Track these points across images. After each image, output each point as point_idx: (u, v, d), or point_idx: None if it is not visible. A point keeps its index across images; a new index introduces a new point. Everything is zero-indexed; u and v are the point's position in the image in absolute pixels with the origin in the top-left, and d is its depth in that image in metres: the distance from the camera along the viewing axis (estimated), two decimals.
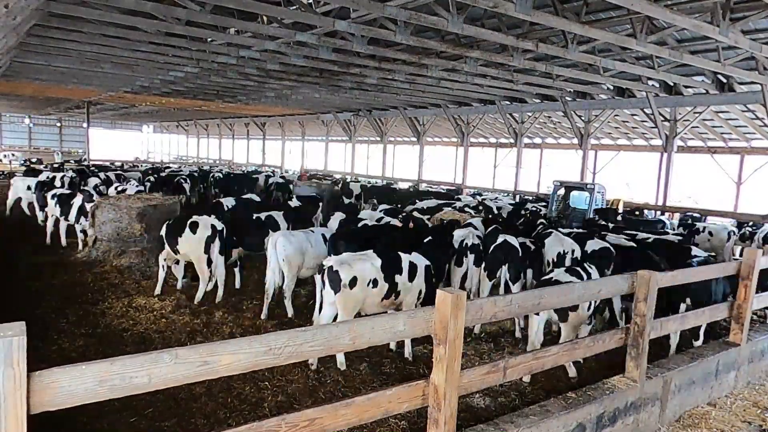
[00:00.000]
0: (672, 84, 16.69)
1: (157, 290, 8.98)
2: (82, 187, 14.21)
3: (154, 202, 11.51)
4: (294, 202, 13.75)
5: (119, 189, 15.33)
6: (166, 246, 8.79)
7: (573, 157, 27.13)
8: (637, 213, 16.94)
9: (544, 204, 18.74)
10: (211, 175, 23.81)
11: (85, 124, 38.22)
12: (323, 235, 8.61)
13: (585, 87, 18.05)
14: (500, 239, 8.52)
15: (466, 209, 14.40)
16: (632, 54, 13.84)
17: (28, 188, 15.23)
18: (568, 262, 8.45)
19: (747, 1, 10.43)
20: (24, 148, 52.03)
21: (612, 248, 8.76)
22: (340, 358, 6.45)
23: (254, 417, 5.19)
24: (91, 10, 10.07)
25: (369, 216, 11.28)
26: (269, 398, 5.72)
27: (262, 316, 8.05)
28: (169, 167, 30.91)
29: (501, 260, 8.19)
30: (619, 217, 15.15)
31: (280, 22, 11.51)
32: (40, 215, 13.85)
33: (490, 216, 13.19)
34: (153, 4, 9.65)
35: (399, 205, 15.34)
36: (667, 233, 11.84)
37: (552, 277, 6.63)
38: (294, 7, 10.18)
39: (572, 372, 6.49)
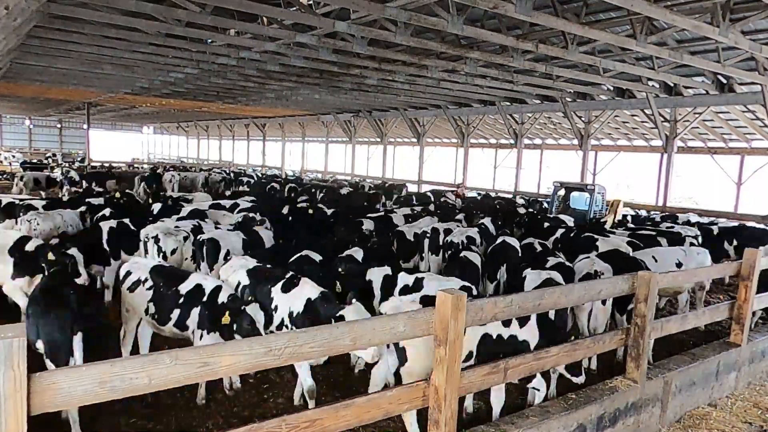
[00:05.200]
0: (672, 85, 16.68)
1: None
2: None
3: None
4: None
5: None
6: None
7: (573, 158, 27.13)
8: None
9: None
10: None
11: (85, 126, 38.20)
12: None
13: (585, 88, 18.05)
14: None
15: None
16: (632, 55, 13.83)
17: None
18: None
19: (747, 1, 10.44)
20: (24, 149, 51.95)
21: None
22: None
23: (254, 418, 5.20)
24: (91, 11, 10.07)
25: None
26: (269, 399, 5.72)
27: None
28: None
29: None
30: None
31: (280, 23, 11.51)
32: None
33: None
34: (153, 5, 9.65)
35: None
36: None
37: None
38: (294, 9, 10.18)
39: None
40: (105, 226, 8.96)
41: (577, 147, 22.07)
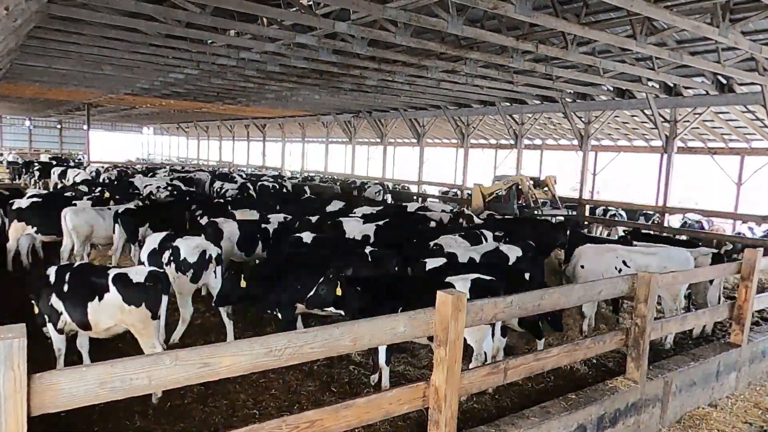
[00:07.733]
0: (672, 85, 16.68)
1: None
2: None
3: None
4: None
5: None
6: None
7: (573, 158, 27.14)
8: None
9: None
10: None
11: (85, 126, 38.19)
12: None
13: (585, 88, 18.05)
14: None
15: None
16: (632, 55, 13.83)
17: None
18: None
19: (747, 2, 10.45)
20: (24, 150, 51.95)
21: None
22: None
23: (254, 418, 5.20)
24: (91, 12, 10.07)
25: None
26: (269, 399, 5.72)
27: None
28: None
29: None
30: None
31: (280, 23, 11.51)
32: None
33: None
34: (153, 6, 9.65)
35: None
36: None
37: None
38: (294, 9, 10.18)
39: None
40: None
41: (577, 147, 22.07)
